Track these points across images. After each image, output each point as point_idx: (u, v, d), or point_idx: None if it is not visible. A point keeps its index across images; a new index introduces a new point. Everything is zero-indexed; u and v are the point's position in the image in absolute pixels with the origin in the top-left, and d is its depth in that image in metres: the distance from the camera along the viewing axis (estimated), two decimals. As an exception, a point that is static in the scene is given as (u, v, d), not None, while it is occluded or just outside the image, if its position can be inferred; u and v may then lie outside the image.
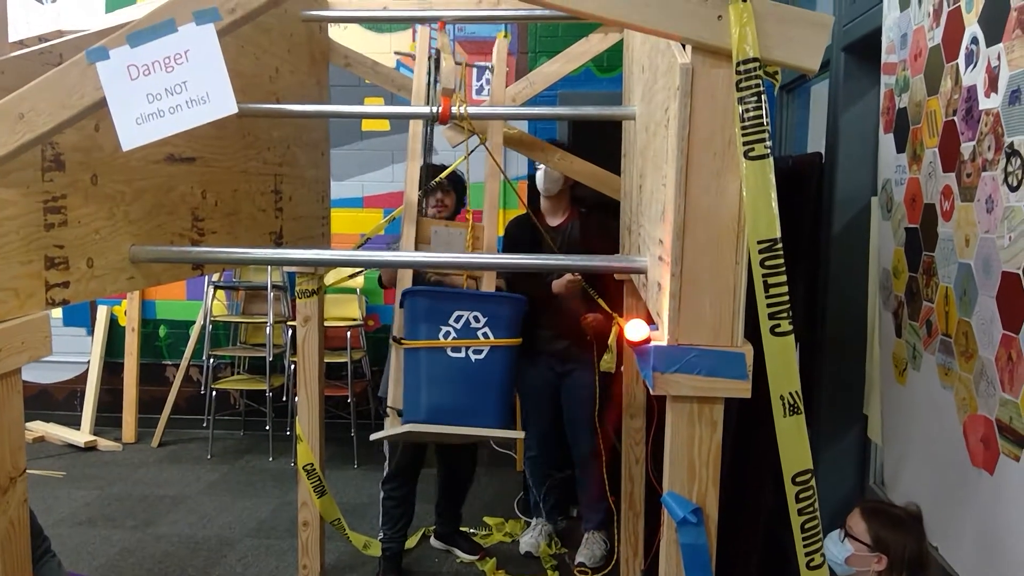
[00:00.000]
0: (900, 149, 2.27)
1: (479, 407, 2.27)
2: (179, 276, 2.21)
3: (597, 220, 3.30)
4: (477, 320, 2.26)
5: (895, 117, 2.31)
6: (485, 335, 2.26)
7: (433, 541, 3.68)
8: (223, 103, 1.36)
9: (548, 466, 3.68)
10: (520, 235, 3.44)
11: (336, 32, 3.29)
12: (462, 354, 2.24)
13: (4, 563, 1.49)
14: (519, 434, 2.31)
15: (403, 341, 2.32)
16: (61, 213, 1.63)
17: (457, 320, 2.24)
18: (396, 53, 3.61)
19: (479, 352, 2.25)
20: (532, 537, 3.65)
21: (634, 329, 1.39)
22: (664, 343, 1.33)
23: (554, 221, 3.42)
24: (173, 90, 1.36)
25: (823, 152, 2.87)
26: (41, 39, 1.73)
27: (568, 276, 3.12)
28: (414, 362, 2.29)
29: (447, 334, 2.25)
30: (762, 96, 1.23)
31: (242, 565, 3.56)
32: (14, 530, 1.53)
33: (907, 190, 2.20)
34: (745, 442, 2.78)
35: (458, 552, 3.58)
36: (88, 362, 5.40)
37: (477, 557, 3.52)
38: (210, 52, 1.34)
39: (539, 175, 3.35)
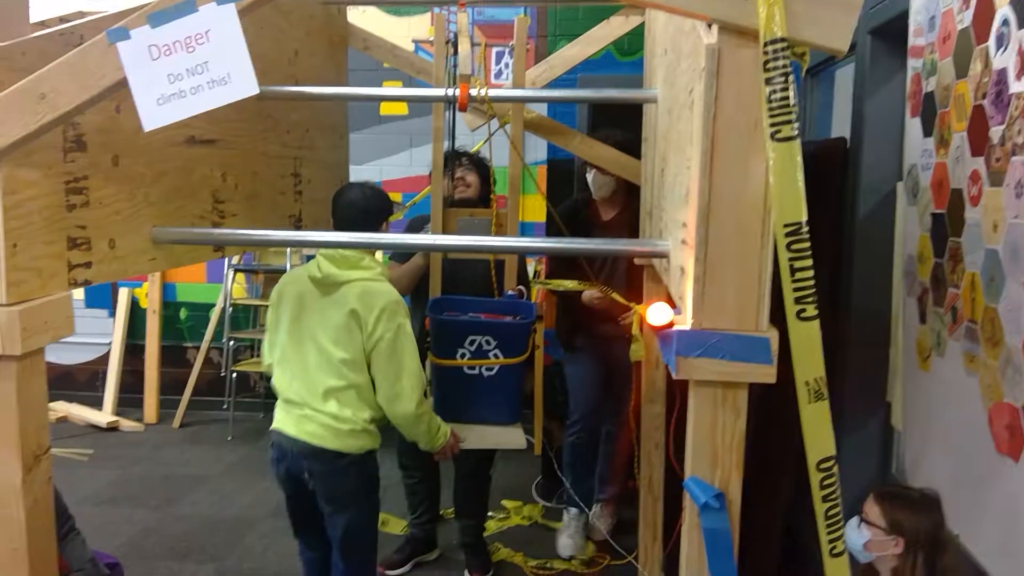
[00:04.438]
0: (927, 133, 2.23)
1: (492, 410, 2.68)
2: (200, 258, 2.21)
3: None
4: (488, 343, 2.60)
5: (922, 101, 2.27)
6: (496, 355, 2.61)
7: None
8: (245, 84, 1.35)
9: (589, 447, 3.57)
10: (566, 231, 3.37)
11: (354, 15, 3.28)
12: (476, 371, 2.63)
13: (29, 539, 1.51)
14: (521, 444, 2.65)
15: (431, 358, 2.68)
16: (83, 194, 1.63)
17: (471, 344, 2.59)
18: (414, 41, 3.58)
19: (491, 369, 2.62)
20: (570, 537, 3.51)
21: (657, 313, 1.37)
22: (687, 327, 1.31)
23: (607, 214, 3.38)
24: (195, 70, 1.35)
25: (847, 137, 2.83)
26: (62, 20, 1.73)
27: (595, 293, 3.14)
28: (439, 373, 2.68)
29: (463, 355, 2.61)
30: (790, 77, 1.20)
31: (262, 545, 3.59)
32: (38, 507, 1.54)
33: (933, 175, 2.17)
34: (765, 426, 2.76)
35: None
36: (110, 344, 5.45)
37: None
38: (231, 32, 1.33)
39: (588, 178, 3.32)
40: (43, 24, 1.72)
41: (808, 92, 3.84)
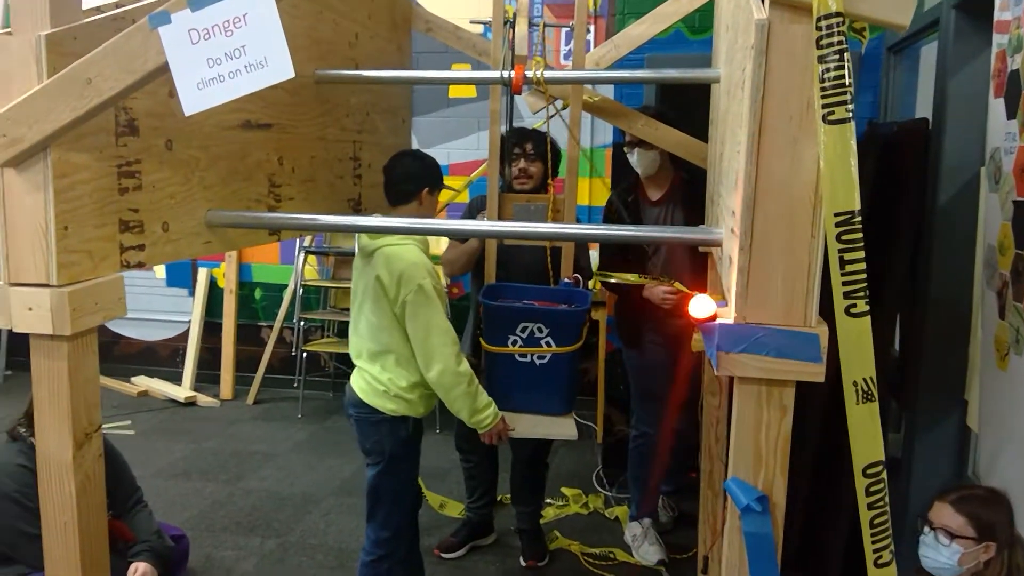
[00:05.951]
0: (1011, 115, 2.08)
1: (544, 399, 2.63)
2: (256, 241, 2.23)
3: (700, 193, 3.15)
4: (541, 331, 2.56)
5: (1007, 80, 2.11)
6: (548, 343, 2.56)
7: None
8: (281, 67, 1.34)
9: (654, 455, 3.41)
10: (616, 221, 3.27)
11: (424, -3, 3.26)
12: (528, 359, 2.58)
13: (79, 513, 1.55)
14: (573, 436, 2.59)
15: (483, 344, 2.67)
16: (136, 178, 1.66)
17: (523, 331, 2.56)
18: (472, 22, 3.50)
19: (543, 358, 2.58)
20: (652, 544, 3.38)
21: (699, 305, 1.31)
22: (731, 321, 1.25)
23: (655, 194, 3.27)
24: (232, 54, 1.34)
25: (930, 118, 2.67)
26: (118, 5, 1.76)
27: (664, 289, 3.04)
28: (491, 361, 2.66)
29: (515, 342, 2.58)
30: (845, 54, 1.12)
31: (325, 522, 3.66)
32: (90, 483, 1.58)
33: (1016, 160, 2.02)
34: (834, 429, 2.65)
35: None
36: (190, 321, 5.63)
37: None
38: (267, 15, 1.32)
39: (632, 159, 3.21)
40: (99, 10, 1.75)
41: (890, 70, 3.65)
